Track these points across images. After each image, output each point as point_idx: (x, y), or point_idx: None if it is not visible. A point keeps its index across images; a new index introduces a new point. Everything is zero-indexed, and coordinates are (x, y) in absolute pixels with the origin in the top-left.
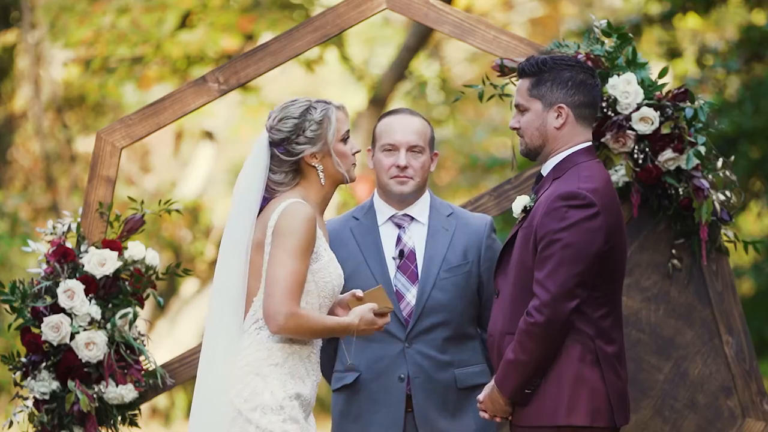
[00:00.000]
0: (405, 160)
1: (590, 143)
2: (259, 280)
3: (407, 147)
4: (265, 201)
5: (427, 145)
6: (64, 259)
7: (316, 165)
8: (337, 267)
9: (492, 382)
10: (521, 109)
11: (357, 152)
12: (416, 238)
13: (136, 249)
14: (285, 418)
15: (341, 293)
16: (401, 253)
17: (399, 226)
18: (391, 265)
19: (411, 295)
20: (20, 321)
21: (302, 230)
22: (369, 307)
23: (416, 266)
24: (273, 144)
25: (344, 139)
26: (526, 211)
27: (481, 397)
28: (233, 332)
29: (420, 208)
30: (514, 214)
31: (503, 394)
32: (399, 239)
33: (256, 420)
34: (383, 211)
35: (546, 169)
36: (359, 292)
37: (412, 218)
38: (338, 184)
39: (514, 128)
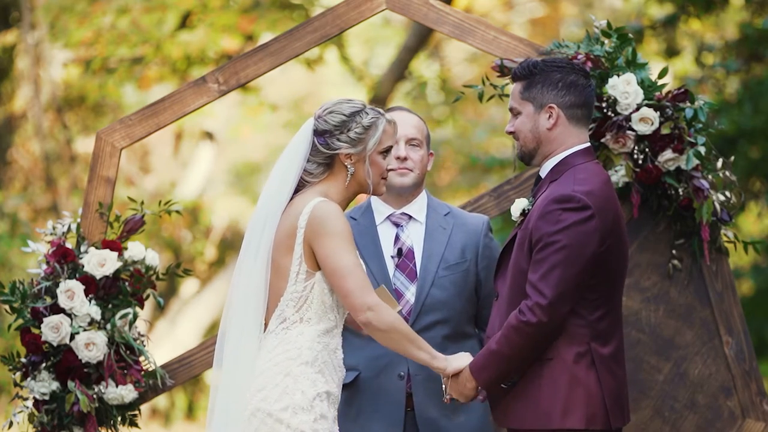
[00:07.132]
0: (404, 151)
1: (587, 144)
2: (286, 280)
3: (406, 139)
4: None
5: (424, 140)
6: (64, 260)
7: (349, 166)
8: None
9: (467, 366)
10: (515, 113)
11: (391, 170)
12: (414, 237)
13: (136, 249)
14: (316, 417)
15: None
16: (399, 252)
17: (397, 225)
18: (390, 264)
19: (410, 293)
20: (20, 321)
21: (345, 226)
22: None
23: (415, 264)
24: (316, 133)
25: (383, 152)
26: (524, 213)
27: (449, 371)
28: (255, 334)
29: (417, 207)
30: (512, 218)
31: (477, 381)
32: (397, 238)
33: (287, 420)
34: (381, 210)
35: (543, 171)
36: None
37: (410, 217)
38: (360, 192)
39: (510, 132)
